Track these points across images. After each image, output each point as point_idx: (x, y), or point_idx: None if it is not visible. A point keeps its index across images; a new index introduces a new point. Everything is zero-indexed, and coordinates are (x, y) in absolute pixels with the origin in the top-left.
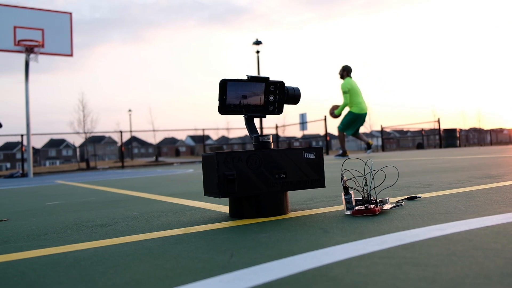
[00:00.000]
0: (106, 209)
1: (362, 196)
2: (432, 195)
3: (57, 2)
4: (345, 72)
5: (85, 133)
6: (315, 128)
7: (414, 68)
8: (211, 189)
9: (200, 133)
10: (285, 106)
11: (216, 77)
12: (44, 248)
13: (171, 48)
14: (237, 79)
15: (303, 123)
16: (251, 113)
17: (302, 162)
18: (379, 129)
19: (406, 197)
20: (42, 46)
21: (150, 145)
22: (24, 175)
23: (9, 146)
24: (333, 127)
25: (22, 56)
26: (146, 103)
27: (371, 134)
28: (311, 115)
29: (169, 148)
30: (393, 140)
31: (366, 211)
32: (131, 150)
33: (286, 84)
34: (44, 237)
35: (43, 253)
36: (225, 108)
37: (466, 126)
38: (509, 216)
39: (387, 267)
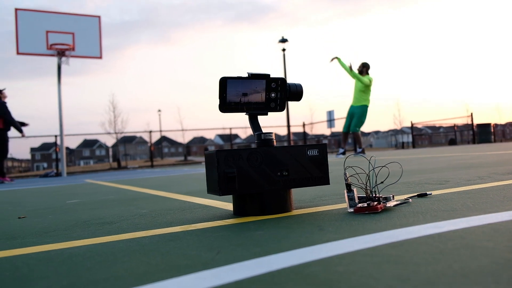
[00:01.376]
0: (119, 207)
1: (366, 194)
2: (445, 192)
3: (88, 7)
4: (365, 68)
5: (115, 133)
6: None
7: (445, 62)
8: (213, 187)
9: (228, 132)
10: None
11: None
12: (47, 244)
13: (198, 48)
14: (237, 77)
15: (330, 121)
16: (252, 110)
17: (305, 160)
18: (410, 125)
19: (416, 194)
20: (73, 49)
21: (179, 144)
22: (58, 174)
23: (45, 146)
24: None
25: (54, 60)
26: (175, 103)
27: (401, 131)
28: (338, 112)
29: (198, 147)
30: (425, 136)
31: (368, 209)
32: (161, 150)
33: (293, 81)
34: (51, 234)
35: (42, 249)
36: (225, 106)
37: (502, 121)
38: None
39: (366, 265)
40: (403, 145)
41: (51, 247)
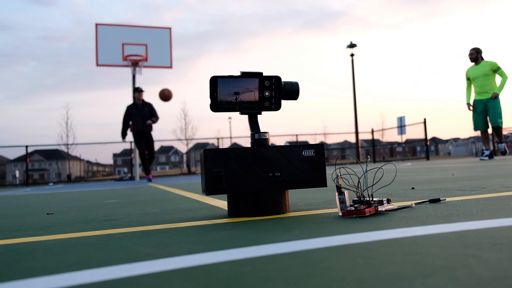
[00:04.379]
0: (139, 207)
1: (357, 196)
2: (464, 199)
3: (165, 19)
4: (480, 54)
5: (186, 139)
6: (418, 132)
7: None
8: (202, 187)
9: (295, 138)
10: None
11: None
12: (36, 236)
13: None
14: (228, 76)
15: (401, 127)
16: (245, 109)
17: (299, 160)
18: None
19: (427, 200)
20: (146, 59)
21: None
22: (131, 178)
23: (126, 152)
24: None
25: (129, 70)
26: None
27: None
28: (410, 118)
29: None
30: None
31: (355, 212)
32: None
33: (290, 80)
34: (51, 228)
35: (27, 240)
36: (216, 105)
37: None
38: (505, 221)
39: (282, 267)
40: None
41: (35, 239)
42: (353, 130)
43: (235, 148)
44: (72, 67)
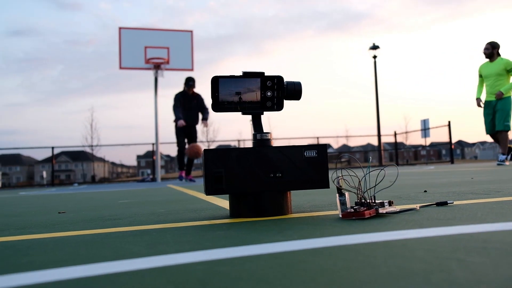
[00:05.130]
0: (148, 207)
1: (357, 198)
2: (473, 202)
3: (188, 23)
4: (496, 49)
5: (207, 141)
6: (443, 135)
7: None
8: (204, 187)
9: (316, 141)
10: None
11: (334, 85)
12: (38, 234)
13: (290, 58)
14: (230, 76)
15: (425, 130)
16: (247, 109)
17: (301, 161)
18: None
19: (434, 203)
20: (168, 62)
21: None
22: (153, 179)
23: (149, 154)
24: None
25: (151, 73)
26: (265, 113)
27: None
28: (434, 121)
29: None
30: None
31: (354, 214)
32: None
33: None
34: (56, 226)
35: (27, 238)
36: (218, 105)
37: None
38: (506, 225)
39: (256, 268)
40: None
41: (36, 236)
42: (376, 132)
43: (236, 149)
44: (97, 70)
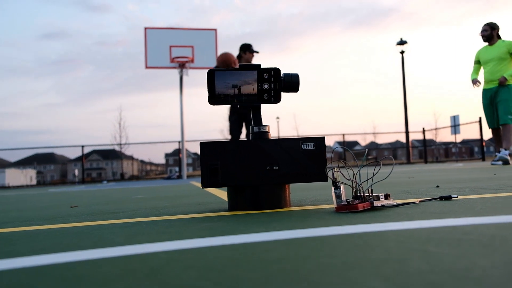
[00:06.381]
0: (156, 201)
1: (352, 191)
2: (480, 197)
3: (213, 21)
4: (496, 31)
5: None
6: (475, 132)
7: None
8: (201, 180)
9: (342, 138)
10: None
11: (361, 82)
12: (36, 226)
13: (316, 54)
14: (226, 68)
15: (455, 126)
16: (244, 102)
17: (298, 154)
18: None
19: (438, 197)
20: (192, 61)
21: None
22: (179, 177)
23: (177, 152)
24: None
25: (176, 72)
26: (292, 110)
27: None
28: (464, 117)
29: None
30: None
31: (348, 207)
32: None
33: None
34: (57, 219)
35: (22, 229)
36: (214, 98)
37: None
38: (497, 218)
39: (208, 259)
40: None
41: (35, 227)
42: (403, 129)
43: (232, 141)
44: (126, 70)
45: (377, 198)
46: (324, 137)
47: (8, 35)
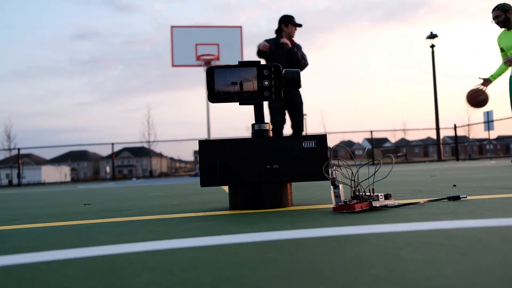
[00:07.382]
0: (168, 199)
1: (351, 191)
2: (491, 197)
3: (240, 19)
4: (509, 12)
5: None
6: (509, 128)
7: None
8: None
9: (375, 135)
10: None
11: (391, 77)
12: (39, 223)
13: (344, 51)
14: (225, 66)
15: (488, 122)
16: (244, 99)
17: (299, 152)
18: None
19: (446, 197)
20: (218, 59)
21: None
22: None
23: None
24: None
25: (201, 70)
26: (319, 106)
27: None
28: (498, 113)
29: (345, 151)
30: None
31: (345, 207)
32: None
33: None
34: (63, 217)
35: (24, 227)
36: (214, 96)
37: None
38: (494, 221)
39: (182, 261)
40: None
41: (41, 225)
42: (434, 126)
43: (231, 140)
44: (154, 69)
45: (377, 198)
46: (325, 134)
47: (42, 36)
